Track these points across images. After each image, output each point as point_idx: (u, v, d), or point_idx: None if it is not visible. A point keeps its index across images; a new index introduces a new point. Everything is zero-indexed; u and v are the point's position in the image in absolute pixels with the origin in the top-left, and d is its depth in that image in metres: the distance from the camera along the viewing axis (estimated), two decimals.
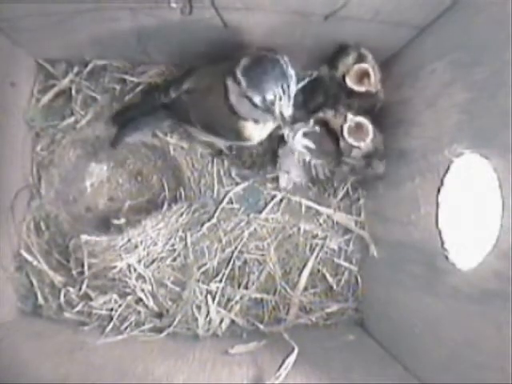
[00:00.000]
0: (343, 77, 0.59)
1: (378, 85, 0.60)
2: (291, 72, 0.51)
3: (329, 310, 0.70)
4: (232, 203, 0.70)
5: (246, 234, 0.70)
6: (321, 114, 0.62)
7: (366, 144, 0.59)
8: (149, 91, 0.68)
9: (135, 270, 0.66)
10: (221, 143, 0.68)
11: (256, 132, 0.57)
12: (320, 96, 0.64)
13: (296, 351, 0.56)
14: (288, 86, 0.50)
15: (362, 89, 0.59)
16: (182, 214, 0.69)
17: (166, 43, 0.62)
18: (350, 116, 0.59)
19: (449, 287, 0.48)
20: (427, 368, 0.51)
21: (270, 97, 0.50)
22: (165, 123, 0.68)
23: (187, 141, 0.70)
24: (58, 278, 0.67)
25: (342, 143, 0.60)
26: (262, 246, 0.70)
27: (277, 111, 0.51)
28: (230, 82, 0.52)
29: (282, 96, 0.50)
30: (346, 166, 0.62)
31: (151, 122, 0.67)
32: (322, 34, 0.57)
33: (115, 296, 0.66)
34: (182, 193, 0.71)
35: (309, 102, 0.65)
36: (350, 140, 0.59)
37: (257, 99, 0.50)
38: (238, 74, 0.50)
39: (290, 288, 0.70)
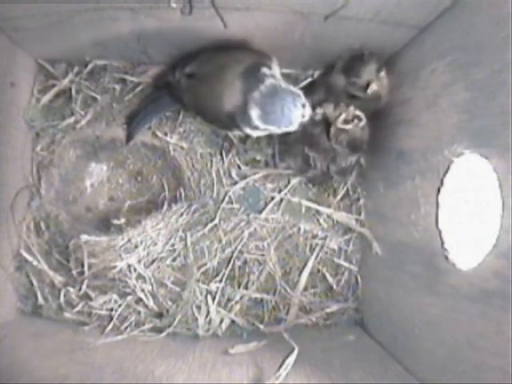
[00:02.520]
0: (367, 84, 0.60)
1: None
2: (305, 101, 0.53)
3: (329, 310, 0.70)
4: (232, 203, 0.70)
5: (246, 233, 0.70)
6: (319, 110, 0.62)
7: (353, 129, 0.59)
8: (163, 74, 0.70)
9: (135, 269, 0.66)
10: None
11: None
12: (319, 93, 0.65)
13: (296, 351, 0.56)
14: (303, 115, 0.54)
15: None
16: (182, 214, 0.69)
17: (165, 43, 0.62)
18: (351, 108, 0.59)
19: (449, 287, 0.48)
20: (427, 368, 0.51)
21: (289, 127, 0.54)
22: (171, 108, 0.69)
23: (187, 141, 0.70)
24: (58, 278, 0.67)
25: (332, 129, 0.60)
26: (262, 245, 0.70)
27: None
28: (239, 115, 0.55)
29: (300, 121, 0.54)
30: (331, 152, 0.63)
31: (158, 110, 0.69)
32: (322, 34, 0.57)
33: (115, 296, 0.66)
34: (182, 193, 0.71)
35: (308, 98, 0.66)
36: (340, 124, 0.59)
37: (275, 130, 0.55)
38: (254, 117, 0.53)
39: (290, 288, 0.70)
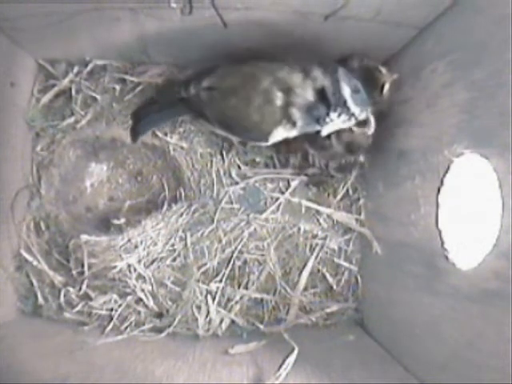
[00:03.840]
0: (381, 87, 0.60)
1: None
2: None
3: (329, 310, 0.70)
4: (232, 203, 0.70)
5: (245, 233, 0.70)
6: None
7: (359, 132, 0.59)
8: (168, 85, 0.69)
9: (135, 269, 0.66)
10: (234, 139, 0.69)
11: (280, 136, 0.59)
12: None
13: (296, 351, 0.56)
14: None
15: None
16: (181, 214, 0.69)
17: (165, 43, 0.62)
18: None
19: (449, 287, 0.48)
20: (427, 368, 0.51)
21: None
22: (182, 117, 0.69)
23: (187, 141, 0.70)
24: (58, 278, 0.67)
25: None
26: (262, 245, 0.70)
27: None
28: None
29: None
30: (330, 150, 0.63)
31: (169, 116, 0.68)
32: (322, 34, 0.57)
33: (115, 296, 0.66)
34: (182, 193, 0.71)
35: None
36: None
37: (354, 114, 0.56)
38: (346, 95, 0.54)
39: (290, 288, 0.70)
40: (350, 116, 0.56)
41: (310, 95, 0.55)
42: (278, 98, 0.56)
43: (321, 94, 0.55)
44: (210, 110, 0.61)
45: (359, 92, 0.54)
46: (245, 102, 0.57)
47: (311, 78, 0.55)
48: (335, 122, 0.57)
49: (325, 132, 0.59)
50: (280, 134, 0.58)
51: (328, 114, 0.56)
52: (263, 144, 0.62)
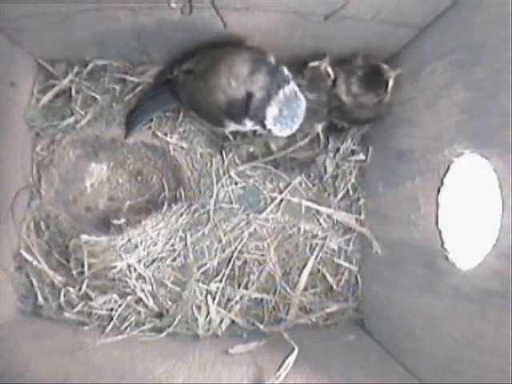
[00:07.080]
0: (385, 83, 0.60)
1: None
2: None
3: (329, 310, 0.70)
4: (232, 203, 0.70)
5: (245, 234, 0.70)
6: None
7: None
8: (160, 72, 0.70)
9: (135, 269, 0.66)
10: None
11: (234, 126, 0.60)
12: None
13: (296, 351, 0.56)
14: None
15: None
16: (182, 214, 0.69)
17: (166, 43, 0.62)
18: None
19: (449, 287, 0.48)
20: (427, 368, 0.51)
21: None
22: (171, 106, 0.68)
23: (187, 141, 0.70)
24: (58, 278, 0.67)
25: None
26: (262, 246, 0.70)
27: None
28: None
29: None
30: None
31: (158, 106, 0.68)
32: (322, 34, 0.57)
33: (115, 296, 0.66)
34: (182, 193, 0.71)
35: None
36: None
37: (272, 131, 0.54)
38: (268, 115, 0.53)
39: (290, 288, 0.70)
40: (267, 131, 0.55)
41: (238, 93, 0.54)
42: (224, 85, 0.55)
43: (246, 98, 0.53)
44: (183, 92, 0.62)
45: (289, 118, 0.52)
46: (209, 85, 0.56)
47: (253, 77, 0.53)
48: (246, 127, 0.57)
49: (228, 129, 0.59)
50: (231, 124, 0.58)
51: (242, 119, 0.55)
52: (224, 130, 0.62)
